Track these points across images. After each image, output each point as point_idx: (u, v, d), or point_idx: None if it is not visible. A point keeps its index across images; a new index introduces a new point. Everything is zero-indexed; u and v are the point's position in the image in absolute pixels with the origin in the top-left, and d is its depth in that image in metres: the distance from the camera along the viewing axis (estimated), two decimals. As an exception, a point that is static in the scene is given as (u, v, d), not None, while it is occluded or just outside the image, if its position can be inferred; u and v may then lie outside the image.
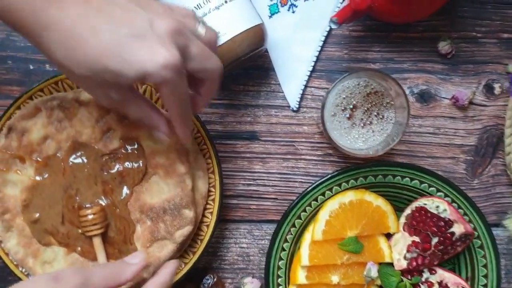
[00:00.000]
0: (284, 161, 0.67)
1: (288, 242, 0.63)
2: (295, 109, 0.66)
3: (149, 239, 0.55)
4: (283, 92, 0.66)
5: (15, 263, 0.61)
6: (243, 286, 0.66)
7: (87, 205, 0.56)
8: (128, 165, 0.55)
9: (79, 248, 0.56)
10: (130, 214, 0.55)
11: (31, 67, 0.66)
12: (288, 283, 0.63)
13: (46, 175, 0.56)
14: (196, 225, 0.55)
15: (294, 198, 0.66)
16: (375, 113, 0.57)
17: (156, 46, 0.40)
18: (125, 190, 0.56)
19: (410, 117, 0.57)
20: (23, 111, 0.57)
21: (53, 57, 0.43)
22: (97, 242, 0.55)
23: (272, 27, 0.64)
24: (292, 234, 0.63)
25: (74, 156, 0.56)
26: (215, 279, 0.65)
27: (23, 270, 0.61)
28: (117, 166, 0.55)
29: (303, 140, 0.67)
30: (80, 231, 0.55)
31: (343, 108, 0.57)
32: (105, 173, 0.55)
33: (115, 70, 0.41)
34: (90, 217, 0.55)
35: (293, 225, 0.63)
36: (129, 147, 0.55)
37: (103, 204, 0.56)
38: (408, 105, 0.54)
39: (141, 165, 0.55)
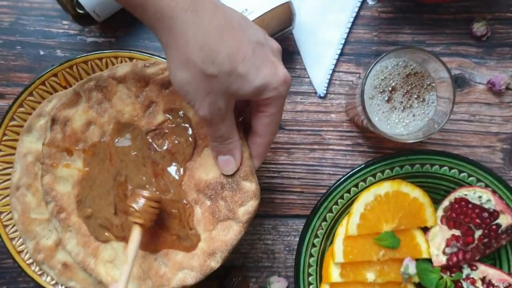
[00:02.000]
0: (311, 151, 0.63)
1: (319, 237, 0.59)
2: (322, 95, 0.62)
3: (210, 221, 0.49)
4: (309, 78, 0.62)
5: (27, 262, 0.57)
6: (269, 285, 0.62)
7: (141, 192, 0.49)
8: (176, 139, 0.50)
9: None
10: (186, 195, 0.50)
11: (42, 52, 0.61)
12: (320, 282, 0.59)
13: (94, 165, 0.52)
14: (259, 199, 0.48)
15: (322, 191, 0.62)
16: (416, 96, 0.53)
17: (277, 60, 0.41)
18: (177, 169, 0.50)
19: (446, 101, 0.53)
20: (63, 100, 0.52)
21: (185, 47, 0.38)
22: (136, 232, 0.47)
23: (296, 7, 0.60)
24: (323, 229, 0.59)
25: (118, 139, 0.52)
26: (239, 279, 0.61)
27: (36, 270, 0.57)
28: (165, 142, 0.50)
29: (331, 129, 0.63)
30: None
31: (381, 91, 0.53)
32: (153, 153, 0.50)
33: (243, 74, 0.39)
34: (139, 204, 0.47)
35: (324, 219, 0.59)
36: (174, 120, 0.50)
37: (154, 188, 0.50)
38: (453, 85, 0.50)
39: (189, 137, 0.50)
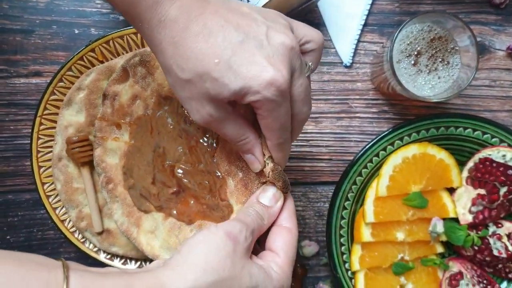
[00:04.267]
0: (338, 120, 0.65)
1: (350, 200, 0.61)
2: (348, 64, 0.64)
3: (243, 193, 0.50)
4: (334, 48, 0.65)
5: (70, 230, 0.60)
6: (301, 249, 0.64)
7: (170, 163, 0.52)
8: None
9: (174, 211, 0.53)
10: (219, 166, 0.51)
11: (76, 31, 0.64)
12: (351, 242, 0.61)
13: (138, 137, 0.54)
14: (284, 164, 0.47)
15: (349, 158, 0.65)
16: (440, 59, 0.56)
17: (265, 61, 0.37)
18: (210, 140, 0.51)
19: (466, 68, 0.55)
20: (113, 76, 0.54)
21: (162, 55, 0.39)
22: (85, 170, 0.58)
23: (321, -18, 0.62)
24: (353, 192, 0.61)
25: (159, 112, 0.53)
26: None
27: (79, 237, 0.60)
28: None
29: (357, 97, 0.65)
30: (171, 192, 0.52)
31: (407, 55, 0.55)
32: (189, 125, 0.52)
33: (217, 77, 0.37)
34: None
35: (354, 183, 0.61)
36: None
37: (188, 160, 0.52)
38: (476, 45, 0.52)
39: None
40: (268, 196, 0.46)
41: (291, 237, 0.44)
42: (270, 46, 0.38)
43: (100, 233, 0.59)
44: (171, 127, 0.53)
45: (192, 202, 0.52)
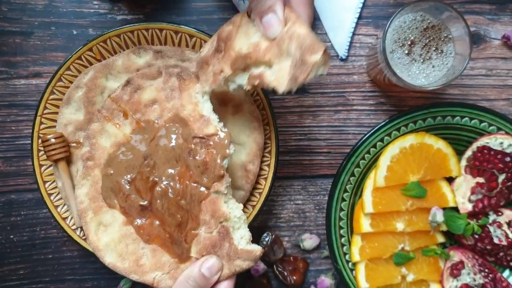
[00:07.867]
0: (335, 113, 0.65)
1: (348, 192, 0.61)
2: (344, 57, 0.65)
3: (208, 249, 0.51)
4: (330, 42, 0.65)
5: (73, 227, 0.60)
6: (302, 242, 0.65)
7: (157, 180, 0.53)
8: (214, 157, 0.51)
9: (137, 222, 0.54)
10: (201, 212, 0.52)
11: (75, 32, 0.65)
12: (351, 233, 0.62)
13: (137, 138, 0.55)
14: (255, 262, 0.52)
15: (348, 150, 0.65)
16: (434, 48, 0.56)
17: None
18: (204, 184, 0.52)
19: (460, 56, 0.55)
20: (145, 70, 0.56)
21: None
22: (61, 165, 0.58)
23: (315, -23, 0.62)
24: (351, 184, 0.61)
25: (168, 127, 0.54)
26: (273, 236, 0.63)
27: (81, 235, 0.60)
28: (204, 154, 0.52)
29: (354, 90, 0.65)
30: (141, 203, 0.53)
31: (401, 44, 0.56)
32: (191, 158, 0.52)
33: None
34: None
35: (352, 174, 0.61)
36: (219, 135, 0.52)
37: (176, 185, 0.52)
38: (470, 35, 0.52)
39: (225, 159, 0.52)
40: (209, 267, 0.50)
41: None
42: None
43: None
44: (172, 147, 0.53)
45: (157, 223, 0.53)
